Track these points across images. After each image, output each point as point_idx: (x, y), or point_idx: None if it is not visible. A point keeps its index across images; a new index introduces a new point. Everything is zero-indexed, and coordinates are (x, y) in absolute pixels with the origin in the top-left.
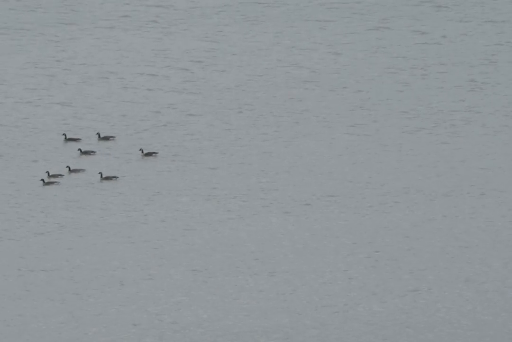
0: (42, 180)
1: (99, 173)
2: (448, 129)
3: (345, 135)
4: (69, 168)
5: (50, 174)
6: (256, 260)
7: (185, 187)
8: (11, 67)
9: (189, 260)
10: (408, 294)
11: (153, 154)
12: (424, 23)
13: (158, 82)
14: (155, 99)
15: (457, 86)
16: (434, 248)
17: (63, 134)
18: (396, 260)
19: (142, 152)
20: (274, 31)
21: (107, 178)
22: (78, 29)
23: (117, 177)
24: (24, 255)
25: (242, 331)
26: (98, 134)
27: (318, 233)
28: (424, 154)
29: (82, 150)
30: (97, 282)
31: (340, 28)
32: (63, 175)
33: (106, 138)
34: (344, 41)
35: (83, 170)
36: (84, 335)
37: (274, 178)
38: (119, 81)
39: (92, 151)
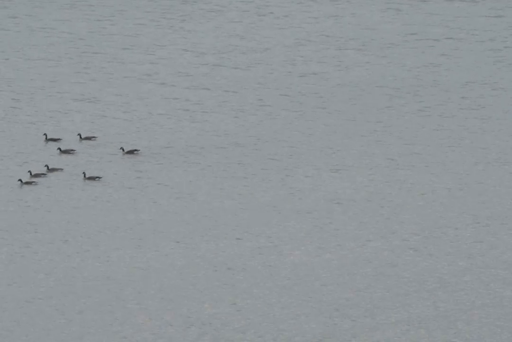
0: (20, 180)
1: (83, 172)
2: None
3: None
4: (48, 167)
5: (32, 174)
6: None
7: (175, 186)
8: (30, 64)
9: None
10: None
11: (135, 152)
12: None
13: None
14: (173, 96)
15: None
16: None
17: (44, 134)
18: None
19: (123, 150)
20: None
21: (90, 178)
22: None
23: (101, 177)
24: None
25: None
26: (80, 134)
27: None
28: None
29: (62, 149)
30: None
31: (367, 20)
32: (46, 174)
33: (88, 138)
34: (370, 35)
35: (61, 169)
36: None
37: (267, 179)
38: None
39: (72, 150)
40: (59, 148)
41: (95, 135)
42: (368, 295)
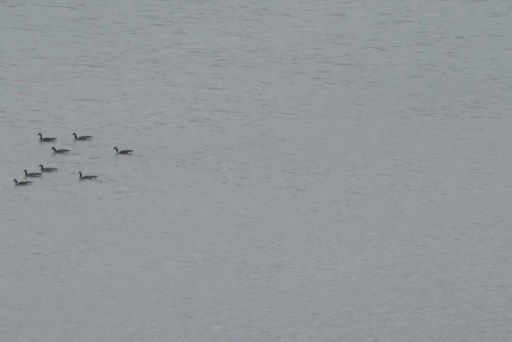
0: (15, 180)
1: (79, 172)
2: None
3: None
4: (42, 167)
5: (28, 173)
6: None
7: (163, 185)
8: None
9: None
10: None
11: (128, 153)
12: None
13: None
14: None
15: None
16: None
17: (39, 134)
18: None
19: (117, 150)
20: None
21: (86, 177)
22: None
23: (96, 176)
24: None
25: None
26: (75, 134)
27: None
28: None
29: (56, 149)
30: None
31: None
32: (40, 174)
33: (83, 138)
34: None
35: (55, 169)
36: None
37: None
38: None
39: (66, 150)
40: (53, 148)
41: (90, 135)
42: (383, 299)
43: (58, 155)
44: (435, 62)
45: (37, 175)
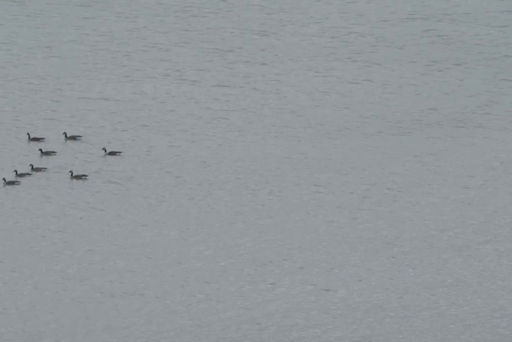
0: (4, 179)
1: (70, 171)
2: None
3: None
4: (32, 166)
5: (18, 173)
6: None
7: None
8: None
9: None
10: None
11: (117, 154)
12: None
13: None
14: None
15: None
16: None
17: (27, 133)
18: None
19: (105, 151)
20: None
21: (77, 177)
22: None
23: (87, 175)
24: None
25: None
26: (65, 133)
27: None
28: None
29: (43, 151)
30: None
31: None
32: (31, 174)
33: (73, 137)
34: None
35: (45, 168)
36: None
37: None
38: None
39: (53, 152)
40: (40, 150)
41: (80, 135)
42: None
43: (45, 157)
44: (445, 60)
45: (27, 175)
